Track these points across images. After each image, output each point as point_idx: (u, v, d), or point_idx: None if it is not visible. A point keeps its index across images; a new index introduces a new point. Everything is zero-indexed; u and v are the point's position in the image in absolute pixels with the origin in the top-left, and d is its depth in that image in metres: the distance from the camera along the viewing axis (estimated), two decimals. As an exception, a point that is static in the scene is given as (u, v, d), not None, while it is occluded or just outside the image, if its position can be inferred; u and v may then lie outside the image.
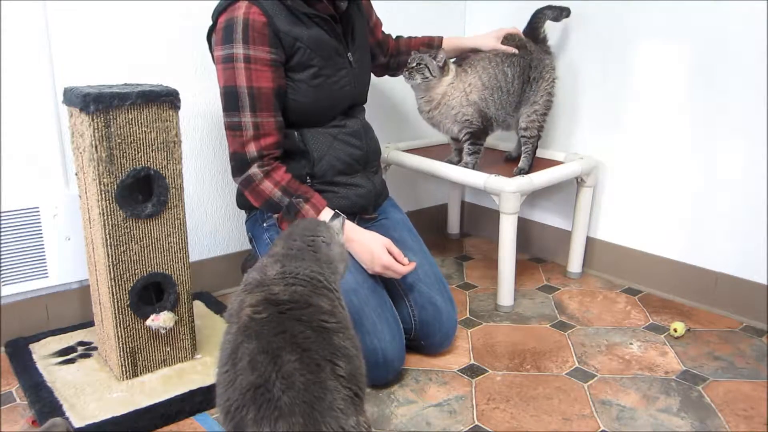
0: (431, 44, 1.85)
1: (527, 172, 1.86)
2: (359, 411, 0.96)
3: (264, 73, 1.40)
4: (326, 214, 1.43)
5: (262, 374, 0.91)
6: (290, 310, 1.00)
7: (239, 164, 1.45)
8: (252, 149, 1.42)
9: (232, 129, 1.43)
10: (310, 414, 0.88)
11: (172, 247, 1.43)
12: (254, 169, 1.43)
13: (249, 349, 0.94)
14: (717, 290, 1.85)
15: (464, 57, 1.89)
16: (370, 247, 1.45)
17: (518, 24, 1.94)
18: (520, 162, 1.94)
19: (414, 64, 1.76)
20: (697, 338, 1.71)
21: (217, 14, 1.43)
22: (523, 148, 1.95)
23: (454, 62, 1.87)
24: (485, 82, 1.82)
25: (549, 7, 1.96)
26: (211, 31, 1.47)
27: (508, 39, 1.85)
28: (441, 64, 1.77)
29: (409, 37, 1.89)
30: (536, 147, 1.96)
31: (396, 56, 1.84)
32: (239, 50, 1.38)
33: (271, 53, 1.40)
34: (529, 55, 1.88)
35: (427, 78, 1.77)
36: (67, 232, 1.63)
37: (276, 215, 1.49)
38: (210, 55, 1.51)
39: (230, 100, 1.41)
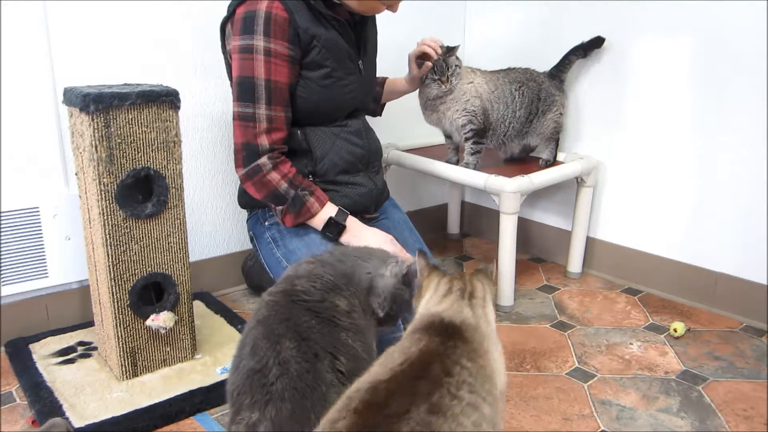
0: (378, 82, 1.84)
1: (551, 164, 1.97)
2: None
3: (282, 67, 1.40)
4: (329, 209, 1.44)
5: (261, 359, 0.92)
6: (301, 300, 1.01)
7: (249, 154, 1.43)
8: (264, 141, 1.42)
9: (245, 119, 1.42)
10: (300, 402, 0.88)
11: (172, 247, 1.43)
12: (264, 160, 1.42)
13: (254, 335, 0.96)
14: (717, 290, 1.85)
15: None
16: (376, 241, 1.43)
17: (516, 25, 1.93)
18: (545, 154, 2.01)
19: (450, 72, 1.78)
20: (697, 338, 1.70)
21: (234, 6, 1.43)
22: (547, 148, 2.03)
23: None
24: (491, 89, 1.87)
25: (579, 48, 1.97)
26: (226, 21, 1.46)
27: (423, 57, 1.76)
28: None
29: None
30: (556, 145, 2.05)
31: None
32: (260, 42, 1.38)
33: (290, 49, 1.41)
34: (538, 87, 1.92)
35: (455, 82, 1.80)
36: (67, 232, 1.63)
37: (279, 207, 1.49)
38: (221, 44, 1.49)
39: (246, 91, 1.41)
